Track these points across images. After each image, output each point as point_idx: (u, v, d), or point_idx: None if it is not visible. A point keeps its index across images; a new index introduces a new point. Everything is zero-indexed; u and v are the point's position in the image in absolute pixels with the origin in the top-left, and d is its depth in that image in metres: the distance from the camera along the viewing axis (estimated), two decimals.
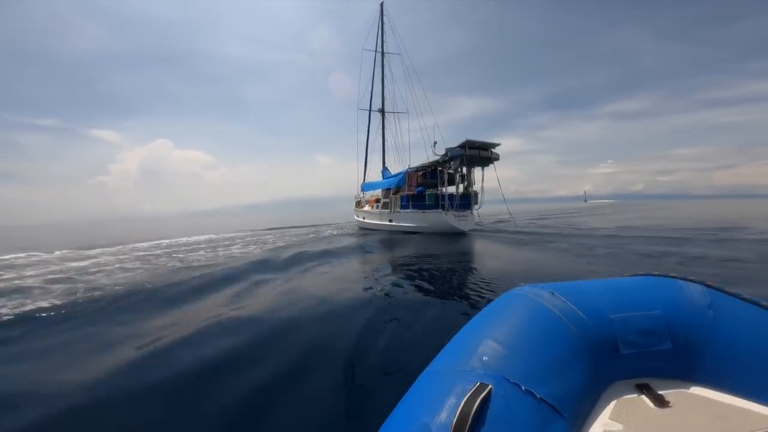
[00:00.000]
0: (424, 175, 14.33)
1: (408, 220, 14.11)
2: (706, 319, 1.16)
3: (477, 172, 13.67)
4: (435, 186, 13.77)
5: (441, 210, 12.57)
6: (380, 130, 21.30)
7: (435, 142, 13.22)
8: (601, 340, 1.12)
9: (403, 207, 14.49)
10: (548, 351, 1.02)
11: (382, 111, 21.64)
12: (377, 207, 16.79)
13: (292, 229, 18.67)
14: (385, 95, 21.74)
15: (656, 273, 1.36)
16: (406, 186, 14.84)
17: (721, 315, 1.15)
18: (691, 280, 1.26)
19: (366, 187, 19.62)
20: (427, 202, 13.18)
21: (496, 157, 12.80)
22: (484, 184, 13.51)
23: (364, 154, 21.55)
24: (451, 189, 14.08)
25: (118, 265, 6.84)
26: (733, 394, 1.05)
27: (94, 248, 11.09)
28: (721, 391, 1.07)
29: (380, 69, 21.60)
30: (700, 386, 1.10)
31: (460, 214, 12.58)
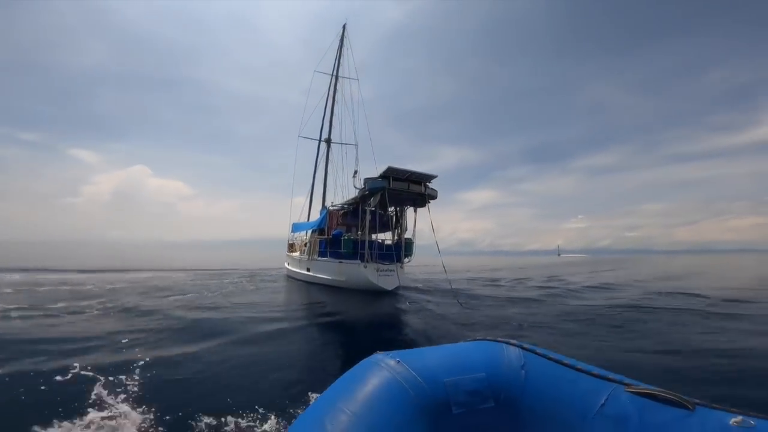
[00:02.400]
0: (344, 214, 11.52)
1: (324, 270, 11.50)
2: (519, 378, 1.38)
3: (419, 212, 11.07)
4: (356, 228, 10.92)
5: (360, 261, 9.60)
6: (333, 163, 18.82)
7: (356, 171, 10.59)
8: (437, 402, 1.29)
9: (321, 254, 11.57)
10: (392, 416, 1.16)
11: (327, 141, 19.30)
12: (305, 252, 13.95)
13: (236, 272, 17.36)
14: (333, 123, 19.52)
15: (487, 338, 1.58)
16: (326, 228, 11.94)
17: (531, 373, 1.38)
18: (511, 344, 1.49)
19: (295, 227, 16.55)
20: (343, 250, 10.20)
21: (433, 195, 10.22)
22: (420, 229, 10.83)
23: (310, 187, 18.85)
24: (386, 235, 11.19)
25: None
26: None
27: None
28: None
29: (332, 93, 19.61)
30: None
31: (385, 267, 9.93)
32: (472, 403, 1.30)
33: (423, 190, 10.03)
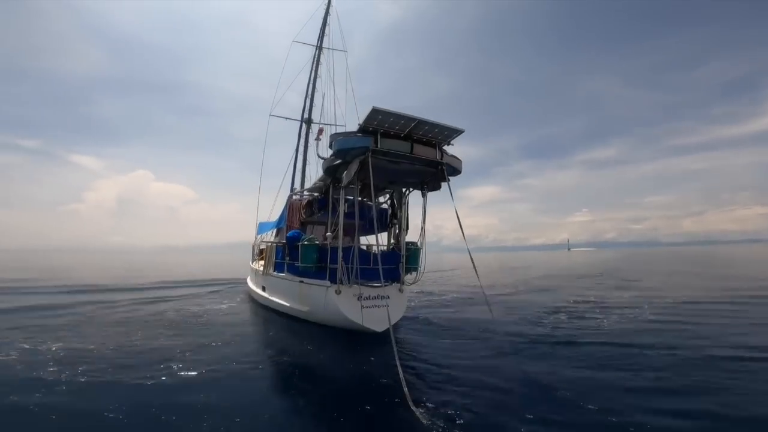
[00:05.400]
0: (309, 205, 7.39)
1: (281, 292, 7.95)
2: None
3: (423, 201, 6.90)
4: (324, 226, 6.83)
5: (328, 281, 5.52)
6: (314, 147, 14.93)
7: (321, 130, 6.53)
8: None
9: (277, 267, 7.45)
10: None
11: (308, 121, 15.23)
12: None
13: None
14: (315, 101, 15.55)
15: None
16: (285, 227, 7.84)
17: None
18: None
19: (261, 228, 12.40)
20: (300, 263, 6.14)
21: (455, 168, 6.17)
22: (429, 228, 6.68)
23: (290, 177, 14.87)
24: (380, 237, 7.15)
25: None
26: None
27: None
28: None
29: (314, 67, 15.73)
30: None
31: (372, 292, 6.22)
32: None
33: (438, 157, 5.86)
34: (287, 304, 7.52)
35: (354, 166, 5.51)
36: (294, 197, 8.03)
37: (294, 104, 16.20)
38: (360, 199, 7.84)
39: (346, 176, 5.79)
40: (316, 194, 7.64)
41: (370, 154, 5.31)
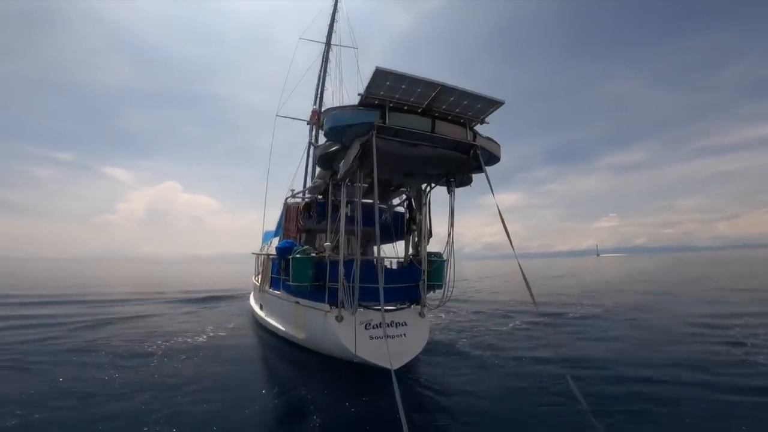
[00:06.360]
0: (307, 208, 6.06)
1: (277, 313, 6.72)
2: None
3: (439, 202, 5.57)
4: (323, 234, 5.47)
5: (327, 305, 4.32)
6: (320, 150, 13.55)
7: (314, 112, 5.95)
8: None
9: (273, 282, 6.17)
10: None
11: (317, 122, 14.05)
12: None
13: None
14: (324, 101, 14.59)
15: None
16: (282, 235, 6.57)
17: None
18: None
19: (266, 237, 11.15)
20: (293, 282, 4.74)
21: (494, 154, 4.78)
22: (460, 231, 5.24)
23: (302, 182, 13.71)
24: (390, 247, 5.85)
25: None
26: None
27: None
28: None
29: (323, 65, 14.83)
30: None
31: (387, 319, 4.87)
32: None
33: (470, 139, 4.39)
34: (283, 328, 6.21)
35: (354, 151, 4.09)
36: (291, 200, 6.71)
37: (303, 106, 15.22)
38: (367, 201, 6.42)
39: (343, 165, 4.38)
40: (317, 196, 6.29)
41: (374, 133, 3.91)
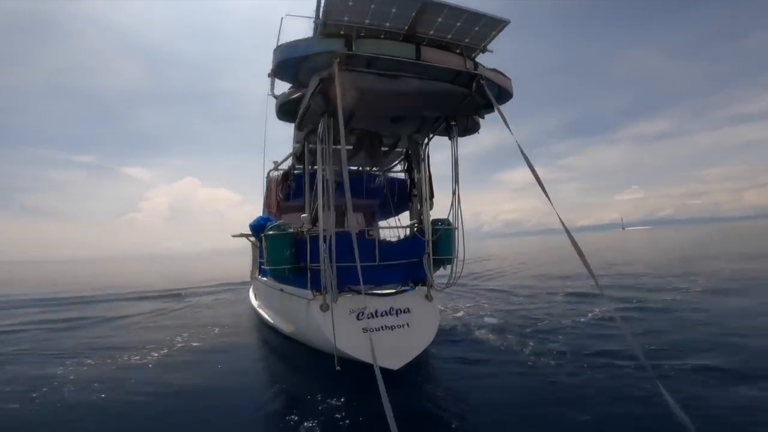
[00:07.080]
0: (285, 178, 5.13)
1: (266, 302, 6.11)
2: None
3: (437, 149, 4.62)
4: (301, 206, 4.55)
5: (309, 290, 3.72)
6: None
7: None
8: None
9: (261, 268, 5.37)
10: None
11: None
12: None
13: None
14: None
15: None
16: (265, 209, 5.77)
17: None
18: None
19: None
20: (269, 264, 3.92)
21: (507, 90, 3.64)
22: (466, 215, 4.22)
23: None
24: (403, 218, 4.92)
25: None
26: None
27: None
28: None
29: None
30: None
31: (384, 306, 3.86)
32: None
33: (470, 69, 3.30)
34: (272, 321, 5.44)
35: (311, 87, 3.12)
36: (274, 173, 5.80)
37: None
38: (360, 168, 5.45)
39: (301, 108, 3.46)
40: (297, 167, 5.33)
41: (337, 61, 2.88)
